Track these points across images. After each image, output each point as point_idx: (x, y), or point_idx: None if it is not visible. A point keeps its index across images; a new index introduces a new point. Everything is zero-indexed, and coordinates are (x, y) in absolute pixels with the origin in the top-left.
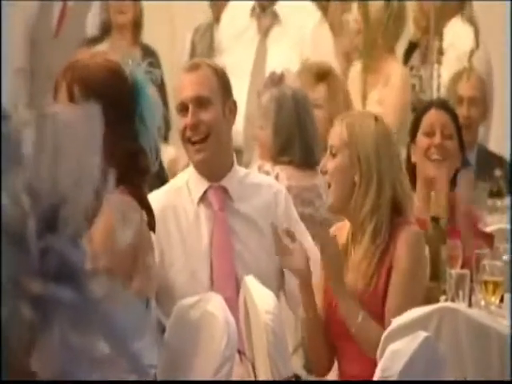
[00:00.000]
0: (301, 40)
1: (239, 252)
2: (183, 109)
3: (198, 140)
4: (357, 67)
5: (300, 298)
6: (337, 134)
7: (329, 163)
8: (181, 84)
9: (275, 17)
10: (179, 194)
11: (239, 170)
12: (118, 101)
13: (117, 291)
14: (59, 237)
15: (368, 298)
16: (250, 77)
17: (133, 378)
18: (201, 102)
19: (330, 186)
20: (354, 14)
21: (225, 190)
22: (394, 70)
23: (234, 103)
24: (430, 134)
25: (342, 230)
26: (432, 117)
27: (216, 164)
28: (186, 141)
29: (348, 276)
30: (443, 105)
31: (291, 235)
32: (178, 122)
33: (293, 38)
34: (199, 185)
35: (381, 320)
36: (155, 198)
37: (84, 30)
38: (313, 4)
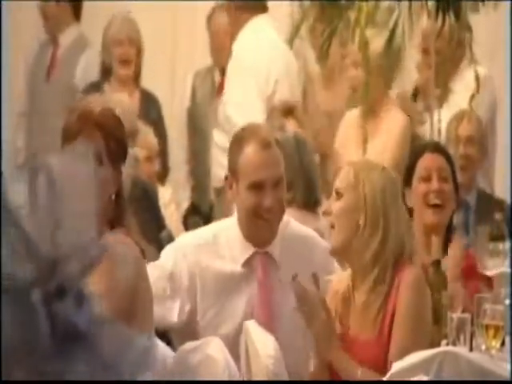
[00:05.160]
0: (255, 72)
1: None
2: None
3: (271, 218)
4: (353, 112)
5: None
6: (344, 177)
7: (333, 204)
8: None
9: (231, 54)
10: (216, 251)
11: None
12: (126, 147)
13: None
14: (64, 302)
15: (373, 345)
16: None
17: None
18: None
19: (333, 227)
20: (352, 55)
21: (270, 257)
22: (395, 117)
23: None
24: (426, 178)
25: (341, 280)
26: (427, 161)
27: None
28: (259, 217)
29: (351, 323)
30: (437, 147)
31: (316, 280)
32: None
33: (246, 71)
34: (244, 249)
35: (378, 363)
36: (192, 248)
37: (73, 76)
38: (274, 40)
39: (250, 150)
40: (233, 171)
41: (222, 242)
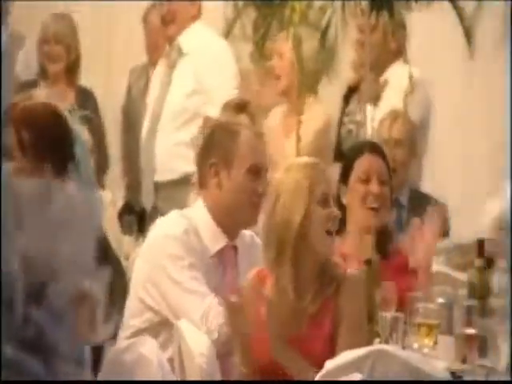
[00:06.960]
0: (201, 68)
1: None
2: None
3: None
4: (278, 110)
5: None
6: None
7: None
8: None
9: (180, 51)
10: (188, 242)
11: None
12: (60, 144)
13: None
14: (43, 311)
15: (311, 341)
16: (152, 104)
17: None
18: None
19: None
20: (278, 45)
21: (236, 250)
22: (317, 112)
23: None
24: (365, 180)
25: (264, 277)
26: (366, 162)
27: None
28: (251, 203)
29: (287, 319)
30: (376, 148)
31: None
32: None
33: (194, 68)
34: (217, 240)
35: (323, 361)
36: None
37: (12, 72)
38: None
39: (246, 137)
40: (224, 158)
41: (192, 233)
